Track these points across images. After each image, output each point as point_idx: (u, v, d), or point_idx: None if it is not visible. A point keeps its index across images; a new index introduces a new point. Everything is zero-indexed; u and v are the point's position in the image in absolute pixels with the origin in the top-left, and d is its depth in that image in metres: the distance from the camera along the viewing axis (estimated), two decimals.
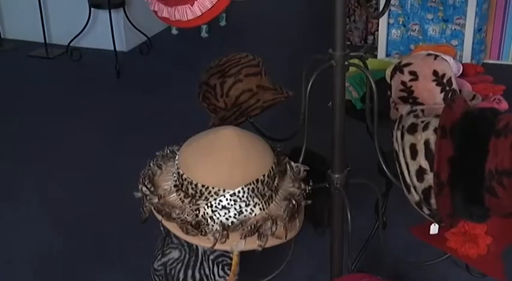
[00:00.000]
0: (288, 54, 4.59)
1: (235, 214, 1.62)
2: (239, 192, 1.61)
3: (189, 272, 2.06)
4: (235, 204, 1.62)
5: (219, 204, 1.61)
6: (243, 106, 2.02)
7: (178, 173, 1.66)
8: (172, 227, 1.63)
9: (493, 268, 2.02)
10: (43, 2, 4.87)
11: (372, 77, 1.76)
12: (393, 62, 2.25)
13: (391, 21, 4.46)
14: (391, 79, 2.10)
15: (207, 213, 1.62)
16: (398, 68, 2.05)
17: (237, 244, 1.61)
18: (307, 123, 1.82)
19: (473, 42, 4.25)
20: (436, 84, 2.00)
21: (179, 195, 1.66)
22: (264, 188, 1.65)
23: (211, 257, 2.07)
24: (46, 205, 3.00)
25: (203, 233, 1.61)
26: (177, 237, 1.93)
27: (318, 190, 1.86)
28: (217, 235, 1.59)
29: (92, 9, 4.71)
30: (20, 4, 5.07)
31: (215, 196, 1.61)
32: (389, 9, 4.38)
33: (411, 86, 2.01)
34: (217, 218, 1.62)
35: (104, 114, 3.94)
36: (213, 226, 1.61)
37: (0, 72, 4.65)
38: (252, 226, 1.61)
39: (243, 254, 1.85)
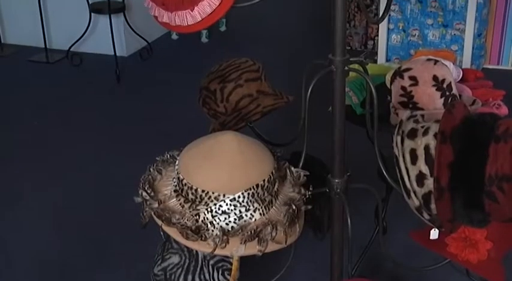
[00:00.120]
0: (288, 60, 4.59)
1: (235, 219, 1.62)
2: (239, 197, 1.61)
3: (189, 278, 2.06)
4: (235, 209, 1.62)
5: (219, 209, 1.61)
6: (243, 111, 2.02)
7: (179, 178, 1.66)
8: (172, 232, 1.63)
9: (493, 273, 2.02)
10: (43, 7, 4.88)
11: (371, 82, 1.76)
12: (393, 67, 2.25)
13: (391, 26, 4.46)
14: (391, 84, 2.11)
15: (207, 218, 1.62)
16: (398, 73, 2.05)
17: (237, 249, 1.61)
18: (307, 128, 1.82)
19: (473, 48, 4.26)
20: (436, 90, 2.00)
21: (179, 200, 1.66)
22: (264, 193, 1.65)
23: (211, 262, 2.07)
24: (46, 209, 3.00)
25: (203, 238, 1.61)
26: (177, 242, 1.93)
27: (318, 195, 1.86)
28: (217, 240, 1.59)
29: (92, 14, 4.72)
30: (20, 9, 5.08)
31: (215, 201, 1.61)
32: (389, 15, 4.38)
33: (411, 91, 2.01)
34: (217, 223, 1.62)
35: (104, 119, 3.94)
36: (213, 231, 1.61)
37: (1, 77, 4.65)
38: (252, 231, 1.61)
39: (243, 259, 1.85)
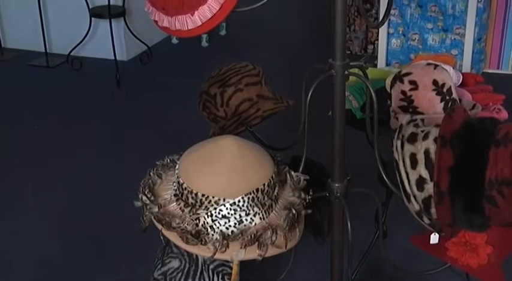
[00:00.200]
0: (288, 64, 4.60)
1: (235, 223, 1.62)
2: (239, 201, 1.61)
3: None
4: (235, 213, 1.61)
5: (219, 213, 1.61)
6: (243, 115, 2.02)
7: (179, 182, 1.66)
8: (172, 237, 1.63)
9: (493, 277, 2.02)
10: (44, 11, 4.89)
11: (371, 86, 1.76)
12: (393, 72, 2.25)
13: (391, 30, 4.47)
14: (391, 88, 2.11)
15: (207, 222, 1.62)
16: (398, 78, 2.06)
17: (237, 254, 1.61)
18: (307, 132, 1.82)
19: (473, 52, 4.27)
20: (436, 94, 2.00)
21: (179, 204, 1.66)
22: (264, 198, 1.65)
23: (211, 266, 2.07)
24: (46, 213, 3.00)
25: (203, 242, 1.60)
26: (177, 246, 1.93)
27: (318, 199, 1.86)
28: (217, 244, 1.59)
29: (92, 18, 4.72)
30: (20, 13, 5.09)
31: (215, 205, 1.61)
32: (389, 19, 4.39)
33: (411, 96, 2.02)
34: (217, 228, 1.61)
35: (104, 123, 3.95)
36: (213, 235, 1.61)
37: (1, 81, 4.66)
38: (252, 236, 1.61)
39: (243, 264, 1.85)
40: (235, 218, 1.62)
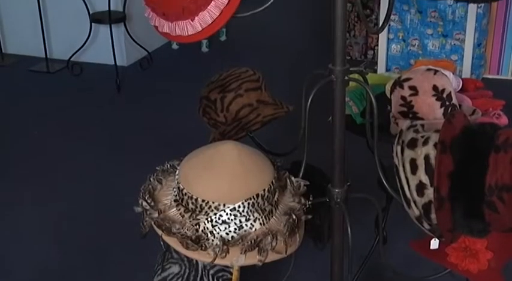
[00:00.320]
0: (289, 69, 4.60)
1: (235, 229, 1.62)
2: (239, 207, 1.61)
3: None
4: (235, 219, 1.61)
5: (219, 219, 1.61)
6: (243, 121, 2.02)
7: (179, 187, 1.66)
8: (172, 242, 1.63)
9: None
10: (44, 16, 4.89)
11: (371, 91, 1.76)
12: (393, 77, 2.25)
13: (391, 36, 4.48)
14: (391, 94, 2.11)
15: (207, 228, 1.62)
16: (398, 83, 2.06)
17: (237, 259, 1.61)
18: (308, 138, 1.82)
19: (472, 57, 4.27)
20: (436, 99, 2.00)
21: (179, 210, 1.66)
22: (264, 203, 1.65)
23: (211, 272, 2.06)
24: (46, 219, 3.00)
25: (203, 248, 1.60)
26: (177, 252, 1.93)
27: (318, 205, 1.86)
28: (217, 249, 1.59)
29: (92, 24, 4.73)
30: (21, 19, 5.10)
31: (215, 211, 1.61)
32: (389, 25, 4.40)
33: (411, 101, 2.02)
34: (218, 233, 1.61)
35: (104, 129, 3.95)
36: (213, 240, 1.61)
37: (1, 87, 4.66)
38: (252, 241, 1.61)
39: (243, 269, 1.85)
40: (235, 223, 1.62)
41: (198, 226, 1.62)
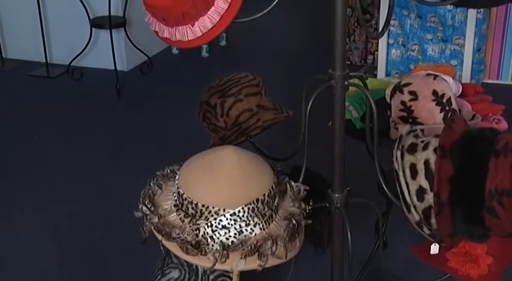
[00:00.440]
0: (288, 74, 4.61)
1: (235, 234, 1.62)
2: (239, 212, 1.61)
3: None
4: (235, 224, 1.61)
5: (219, 224, 1.61)
6: (243, 126, 2.02)
7: (179, 192, 1.66)
8: (172, 247, 1.63)
9: None
10: (44, 21, 4.90)
11: (371, 96, 1.77)
12: (393, 82, 2.26)
13: (391, 41, 4.48)
14: (390, 99, 2.11)
15: (207, 233, 1.61)
16: (398, 88, 2.06)
17: (237, 264, 1.61)
18: (307, 142, 1.82)
19: (472, 62, 4.28)
20: (436, 104, 2.00)
21: (179, 215, 1.66)
22: (264, 208, 1.65)
23: (211, 277, 2.06)
24: (46, 224, 3.00)
25: (203, 253, 1.60)
26: (177, 257, 1.93)
27: (318, 210, 1.86)
28: (217, 254, 1.59)
29: (93, 29, 4.74)
30: (21, 24, 5.10)
31: (215, 216, 1.61)
32: (389, 30, 4.40)
33: (411, 106, 2.02)
34: (218, 238, 1.61)
35: (104, 134, 3.95)
36: (213, 245, 1.61)
37: (1, 92, 4.67)
38: (252, 246, 1.61)
39: (243, 274, 1.84)
40: (235, 228, 1.62)
41: (198, 231, 1.62)
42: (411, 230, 1.76)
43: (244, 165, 1.65)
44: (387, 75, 4.52)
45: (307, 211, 1.75)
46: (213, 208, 1.60)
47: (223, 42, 5.54)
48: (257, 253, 1.61)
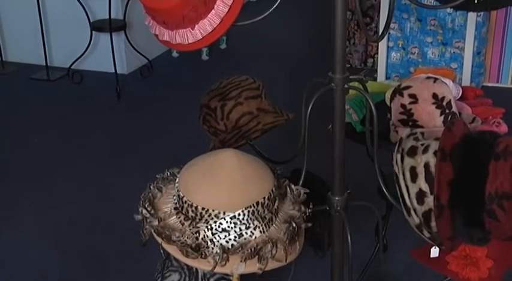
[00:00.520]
0: (289, 77, 4.61)
1: (235, 237, 1.62)
2: (239, 215, 1.61)
3: None
4: (235, 227, 1.61)
5: (219, 227, 1.61)
6: (243, 129, 2.03)
7: (179, 195, 1.66)
8: (172, 250, 1.63)
9: None
10: (44, 25, 4.91)
11: (371, 99, 1.77)
12: (393, 85, 2.26)
13: (391, 44, 4.48)
14: (390, 102, 2.11)
15: (207, 236, 1.61)
16: (398, 91, 2.06)
17: (237, 267, 1.61)
18: (308, 145, 1.82)
19: (472, 65, 4.28)
20: (436, 107, 2.00)
21: (179, 218, 1.66)
22: (264, 211, 1.65)
23: (211, 280, 2.06)
24: (46, 227, 2.99)
25: (203, 256, 1.60)
26: (176, 260, 1.93)
27: (318, 213, 1.86)
28: (217, 257, 1.59)
29: (93, 32, 4.74)
30: (21, 27, 5.11)
31: (215, 219, 1.61)
32: (389, 33, 4.41)
33: (411, 109, 2.02)
34: (217, 241, 1.61)
35: (104, 136, 3.95)
36: (213, 248, 1.61)
37: (2, 95, 4.67)
38: (252, 249, 1.61)
39: (243, 277, 1.84)
40: (235, 231, 1.62)
41: (198, 234, 1.62)
42: (411, 233, 1.76)
43: (244, 168, 1.65)
44: (387, 78, 4.53)
45: (307, 214, 1.75)
46: (213, 211, 1.60)
47: (223, 46, 5.54)
48: (257, 256, 1.61)
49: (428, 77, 2.09)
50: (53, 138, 3.93)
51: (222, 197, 1.62)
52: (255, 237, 1.64)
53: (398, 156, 1.72)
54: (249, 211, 1.61)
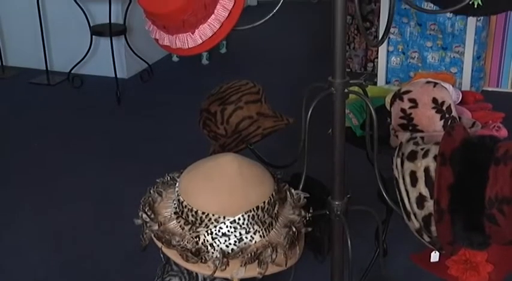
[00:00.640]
0: (288, 81, 4.61)
1: (235, 241, 1.62)
2: (239, 219, 1.61)
3: None
4: (235, 231, 1.61)
5: (219, 231, 1.61)
6: (243, 133, 2.03)
7: (179, 200, 1.66)
8: (172, 255, 1.63)
9: None
10: (45, 29, 4.91)
11: (371, 104, 1.77)
12: (393, 90, 2.26)
13: (391, 48, 4.49)
14: (390, 106, 2.11)
15: (207, 240, 1.61)
16: (398, 96, 2.06)
17: (237, 272, 1.61)
18: (308, 150, 1.82)
19: (472, 70, 4.28)
20: (436, 112, 2.00)
21: (179, 222, 1.66)
22: (264, 215, 1.64)
23: None
24: (46, 232, 2.99)
25: (203, 260, 1.60)
26: (176, 264, 1.93)
27: (318, 217, 1.86)
28: (217, 262, 1.59)
29: (93, 36, 4.75)
30: (22, 32, 5.11)
31: (215, 223, 1.60)
32: (389, 37, 4.41)
33: (411, 114, 2.02)
34: (218, 246, 1.61)
35: (104, 141, 3.95)
36: (213, 253, 1.61)
37: (2, 99, 4.67)
38: (252, 253, 1.61)
39: None
40: (235, 236, 1.61)
41: (198, 239, 1.62)
42: (411, 238, 1.76)
43: (244, 172, 1.65)
44: (387, 82, 4.53)
45: (307, 218, 1.75)
46: (213, 215, 1.60)
47: (223, 50, 5.55)
48: (257, 261, 1.61)
49: (428, 82, 2.09)
50: (53, 142, 3.93)
51: (222, 201, 1.62)
52: (255, 241, 1.64)
53: (398, 160, 1.72)
54: (249, 216, 1.61)
